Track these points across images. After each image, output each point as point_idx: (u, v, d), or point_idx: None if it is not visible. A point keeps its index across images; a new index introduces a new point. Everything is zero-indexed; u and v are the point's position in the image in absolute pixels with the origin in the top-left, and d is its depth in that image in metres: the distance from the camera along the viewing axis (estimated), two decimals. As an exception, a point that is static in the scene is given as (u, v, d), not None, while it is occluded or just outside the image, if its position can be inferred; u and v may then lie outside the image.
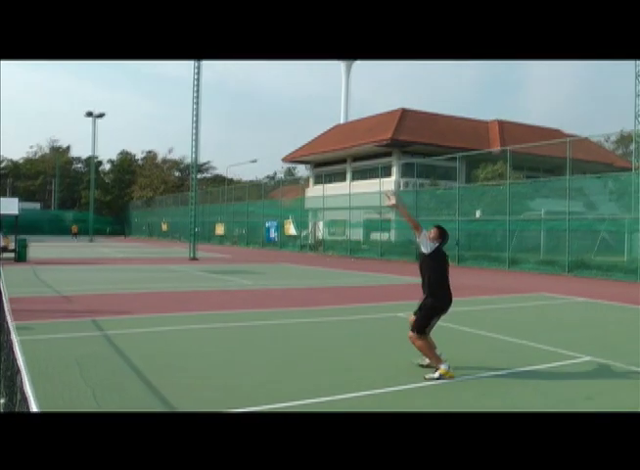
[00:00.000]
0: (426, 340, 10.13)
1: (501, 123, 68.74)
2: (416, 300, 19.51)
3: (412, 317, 10.40)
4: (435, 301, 10.26)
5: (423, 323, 10.19)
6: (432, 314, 10.25)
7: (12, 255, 35.73)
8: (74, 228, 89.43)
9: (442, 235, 10.40)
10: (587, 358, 11.48)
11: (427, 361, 10.37)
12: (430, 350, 10.09)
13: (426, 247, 10.24)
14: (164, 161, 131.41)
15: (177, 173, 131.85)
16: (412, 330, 10.18)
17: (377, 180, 50.27)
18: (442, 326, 13.80)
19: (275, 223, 64.26)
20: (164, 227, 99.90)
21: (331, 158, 69.96)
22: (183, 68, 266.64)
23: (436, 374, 9.81)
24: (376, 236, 50.43)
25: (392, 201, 10.49)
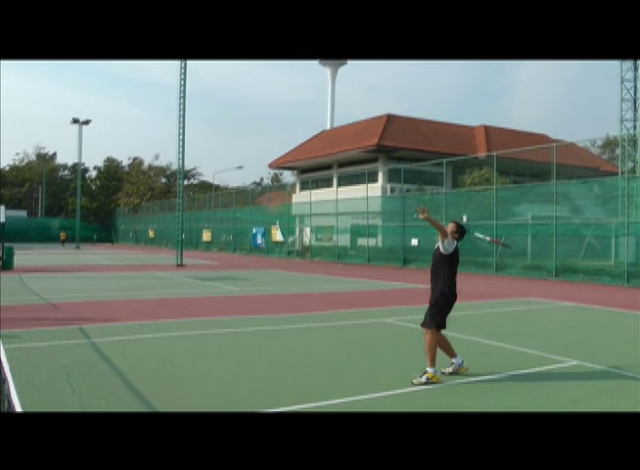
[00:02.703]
0: (435, 337, 10.23)
1: (487, 129, 68.88)
2: (403, 305, 19.55)
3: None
4: (450, 296, 10.42)
5: (440, 318, 10.31)
6: (447, 310, 10.43)
7: (-2, 263, 35.63)
8: (63, 235, 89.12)
9: (459, 230, 10.54)
10: (574, 362, 11.52)
11: (449, 370, 10.44)
12: (433, 349, 10.18)
13: (450, 247, 10.30)
14: (151, 167, 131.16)
15: (164, 180, 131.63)
16: (424, 325, 10.30)
17: (363, 186, 50.26)
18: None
19: (262, 229, 64.14)
20: (151, 234, 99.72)
21: (317, 164, 69.98)
22: (169, 73, 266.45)
23: (423, 378, 9.85)
24: (363, 242, 50.41)
25: (425, 215, 10.44)
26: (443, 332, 10.55)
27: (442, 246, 10.32)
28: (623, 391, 9.63)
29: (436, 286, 10.39)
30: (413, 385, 9.76)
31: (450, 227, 10.50)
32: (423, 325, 10.32)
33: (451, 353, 10.54)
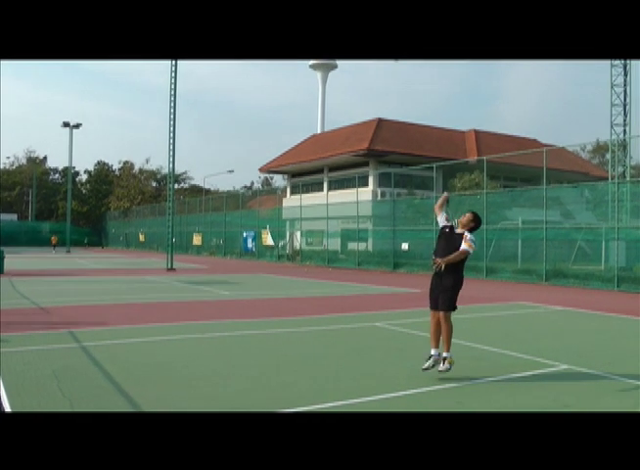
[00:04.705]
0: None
1: (477, 133, 69.02)
2: (393, 309, 19.55)
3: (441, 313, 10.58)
4: (462, 279, 10.67)
5: (455, 300, 10.55)
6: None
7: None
8: (54, 239, 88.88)
9: (476, 220, 10.69)
10: (564, 367, 11.52)
11: (428, 364, 10.54)
12: (452, 332, 10.58)
13: (476, 244, 10.60)
14: (141, 171, 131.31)
15: (154, 184, 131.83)
16: (444, 309, 10.45)
17: (354, 190, 50.31)
18: (421, 335, 13.80)
19: (252, 233, 64.13)
20: (142, 238, 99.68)
21: (308, 168, 70.01)
22: (160, 77, 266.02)
23: (446, 366, 10.33)
24: (353, 246, 50.42)
25: (444, 263, 10.51)
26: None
27: (470, 248, 10.41)
28: (614, 395, 9.64)
29: (452, 271, 10.46)
30: (440, 373, 10.32)
31: (467, 217, 10.62)
32: (446, 309, 10.46)
33: (437, 344, 10.68)
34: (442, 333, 10.48)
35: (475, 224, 10.59)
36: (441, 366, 10.36)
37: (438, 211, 11.11)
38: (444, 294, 10.42)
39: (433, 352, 10.54)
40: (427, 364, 10.48)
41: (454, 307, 10.51)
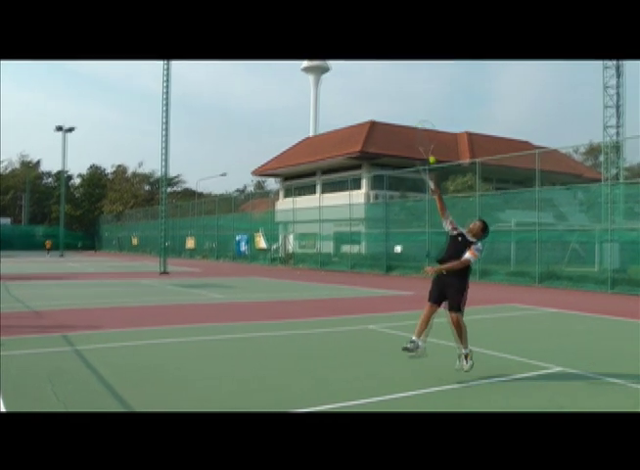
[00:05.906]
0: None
1: (470, 135, 68.96)
2: (387, 312, 19.55)
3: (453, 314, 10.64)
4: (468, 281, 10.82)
5: (463, 302, 10.64)
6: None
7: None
8: (48, 244, 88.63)
9: (485, 229, 10.80)
10: (558, 369, 11.52)
11: (411, 346, 10.61)
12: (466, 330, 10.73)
13: (482, 251, 10.82)
14: (134, 174, 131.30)
15: (147, 187, 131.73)
16: (456, 310, 10.56)
17: (347, 193, 50.29)
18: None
19: (245, 237, 64.15)
20: (135, 241, 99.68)
21: (300, 171, 69.92)
22: (153, 81, 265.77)
23: (469, 362, 10.58)
24: (346, 249, 50.42)
25: (436, 270, 10.67)
26: (436, 319, 10.85)
27: (474, 258, 10.57)
28: (608, 395, 9.65)
29: (461, 273, 10.62)
30: (465, 372, 10.51)
31: (478, 225, 10.73)
32: (457, 309, 10.57)
33: (421, 333, 10.74)
34: (457, 333, 10.65)
35: (484, 233, 10.71)
36: (465, 365, 10.56)
37: (443, 214, 11.11)
38: (455, 294, 10.53)
39: (414, 338, 10.62)
40: (408, 345, 10.59)
41: (462, 308, 10.64)
